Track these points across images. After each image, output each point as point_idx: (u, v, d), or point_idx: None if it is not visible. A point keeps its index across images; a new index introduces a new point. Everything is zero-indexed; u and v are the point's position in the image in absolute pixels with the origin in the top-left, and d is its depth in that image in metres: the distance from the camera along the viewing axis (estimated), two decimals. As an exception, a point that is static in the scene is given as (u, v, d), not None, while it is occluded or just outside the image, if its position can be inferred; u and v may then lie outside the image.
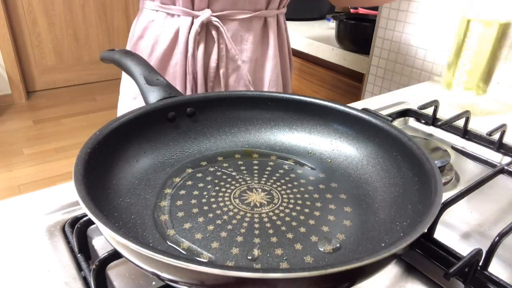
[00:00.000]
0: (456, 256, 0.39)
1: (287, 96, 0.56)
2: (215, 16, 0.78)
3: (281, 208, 0.45)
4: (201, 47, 0.80)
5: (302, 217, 0.44)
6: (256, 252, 0.39)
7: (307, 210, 0.45)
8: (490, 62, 0.75)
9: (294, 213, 0.44)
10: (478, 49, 0.75)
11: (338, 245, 0.40)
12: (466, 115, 0.66)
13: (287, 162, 0.53)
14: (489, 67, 0.76)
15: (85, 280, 0.38)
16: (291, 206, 0.46)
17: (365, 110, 0.65)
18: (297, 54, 1.43)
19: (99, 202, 0.39)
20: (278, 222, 0.43)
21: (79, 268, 0.39)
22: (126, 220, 0.41)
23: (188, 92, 0.82)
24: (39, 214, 0.46)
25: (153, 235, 0.41)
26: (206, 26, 0.79)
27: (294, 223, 0.43)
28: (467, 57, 0.76)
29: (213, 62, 0.82)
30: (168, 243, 0.40)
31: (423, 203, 0.36)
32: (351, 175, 0.50)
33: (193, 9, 0.78)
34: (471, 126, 0.67)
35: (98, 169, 0.42)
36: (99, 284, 0.37)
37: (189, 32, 0.78)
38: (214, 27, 0.79)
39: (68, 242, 0.43)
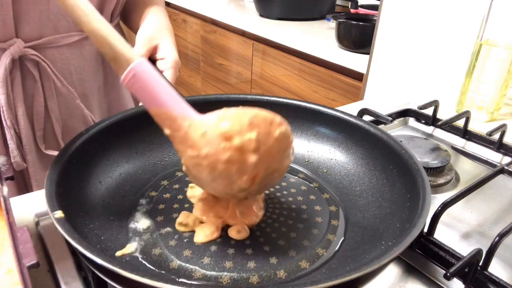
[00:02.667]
0: (456, 256, 0.39)
1: (287, 101, 0.55)
2: (30, 47, 0.61)
3: (263, 218, 0.44)
4: (19, 90, 0.62)
5: (284, 229, 0.42)
6: (227, 263, 0.38)
7: (291, 222, 0.44)
8: (504, 84, 0.75)
9: (276, 224, 0.43)
10: (491, 72, 0.74)
11: (315, 260, 0.39)
12: (466, 115, 0.66)
13: None
14: (503, 90, 0.75)
15: (85, 280, 0.38)
16: (275, 216, 0.44)
17: (364, 112, 0.65)
18: (297, 54, 1.42)
19: (77, 202, 0.39)
20: (257, 233, 0.42)
21: (79, 268, 0.39)
22: (102, 221, 0.41)
23: (12, 150, 0.63)
24: (38, 213, 0.46)
25: (127, 238, 0.40)
26: (20, 61, 0.61)
27: (274, 235, 0.42)
28: (479, 79, 0.76)
29: (39, 106, 0.65)
30: (140, 248, 0.39)
31: (410, 222, 0.35)
32: (345, 187, 0.49)
33: None
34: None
35: (80, 169, 0.42)
36: (99, 284, 0.37)
37: None
38: (32, 62, 0.62)
39: (68, 242, 0.43)
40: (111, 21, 0.72)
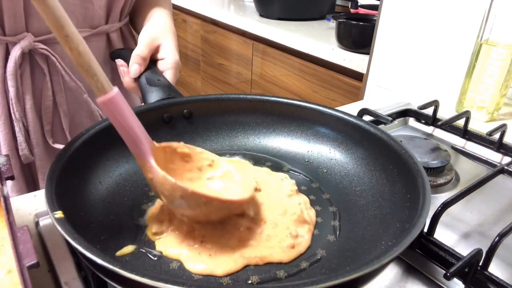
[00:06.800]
0: (456, 256, 0.39)
1: (287, 101, 0.55)
2: (39, 41, 0.61)
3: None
4: (27, 83, 0.63)
5: None
6: None
7: None
8: (504, 84, 0.75)
9: None
10: (491, 72, 0.74)
11: (315, 260, 0.39)
12: (466, 115, 0.66)
13: (281, 169, 0.52)
14: (503, 90, 0.75)
15: (85, 280, 0.38)
16: None
17: (364, 112, 0.65)
18: (297, 54, 1.42)
19: (77, 202, 0.39)
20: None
21: (79, 268, 0.39)
22: (102, 221, 0.41)
23: (21, 143, 0.64)
24: (38, 213, 0.46)
25: (127, 238, 0.40)
26: (30, 55, 0.63)
27: None
28: (479, 79, 0.76)
29: (47, 100, 0.65)
30: (140, 248, 0.39)
31: (410, 222, 0.35)
32: (345, 187, 0.48)
33: (4, 34, 0.60)
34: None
35: (80, 169, 0.42)
36: (99, 284, 0.37)
37: (5, 66, 0.60)
38: (41, 55, 0.63)
39: (68, 242, 0.43)
40: (120, 20, 0.73)
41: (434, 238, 0.42)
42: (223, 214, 0.41)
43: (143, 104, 0.55)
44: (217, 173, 0.44)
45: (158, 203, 0.45)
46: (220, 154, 0.54)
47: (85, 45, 0.34)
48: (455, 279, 0.40)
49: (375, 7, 1.42)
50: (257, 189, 0.46)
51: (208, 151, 0.45)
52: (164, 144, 0.41)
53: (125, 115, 0.37)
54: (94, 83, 0.35)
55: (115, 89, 0.36)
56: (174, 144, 0.43)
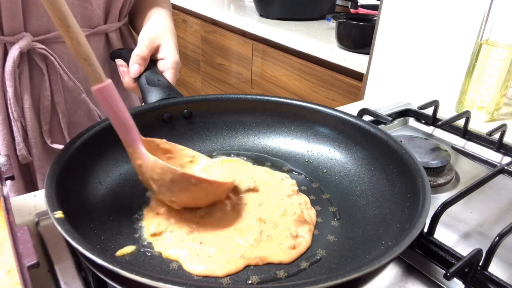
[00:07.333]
0: (456, 256, 0.39)
1: (287, 101, 0.55)
2: (38, 40, 0.62)
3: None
4: (26, 83, 0.63)
5: None
6: None
7: None
8: (504, 84, 0.75)
9: None
10: (491, 72, 0.74)
11: (315, 260, 0.39)
12: (466, 115, 0.66)
13: (281, 169, 0.52)
14: (503, 90, 0.75)
15: (85, 280, 0.38)
16: None
17: (364, 112, 0.65)
18: (297, 54, 1.42)
19: (77, 202, 0.40)
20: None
21: (79, 268, 0.39)
22: (102, 221, 0.41)
23: (19, 143, 0.64)
24: (38, 213, 0.46)
25: (127, 238, 0.40)
26: (28, 55, 0.63)
27: None
28: (479, 79, 0.76)
29: (45, 100, 0.65)
30: (140, 248, 0.39)
31: (410, 222, 0.35)
32: (345, 187, 0.48)
33: (2, 34, 0.60)
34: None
35: (80, 169, 0.42)
36: (99, 284, 0.37)
37: (3, 66, 0.61)
38: (40, 55, 0.63)
39: (68, 242, 0.42)
40: (119, 20, 0.73)
41: (434, 238, 0.42)
42: (209, 198, 0.42)
43: (143, 104, 0.55)
44: (197, 168, 0.46)
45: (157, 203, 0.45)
46: (220, 154, 0.54)
47: (84, 36, 0.36)
48: (455, 279, 0.40)
49: (375, 7, 1.42)
50: (254, 189, 0.46)
51: (189, 149, 0.47)
52: (148, 138, 0.43)
53: (118, 103, 0.39)
54: (91, 72, 0.37)
55: (109, 80, 0.38)
56: (157, 140, 0.44)
